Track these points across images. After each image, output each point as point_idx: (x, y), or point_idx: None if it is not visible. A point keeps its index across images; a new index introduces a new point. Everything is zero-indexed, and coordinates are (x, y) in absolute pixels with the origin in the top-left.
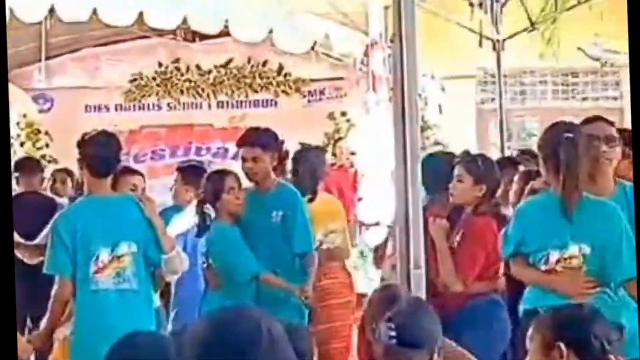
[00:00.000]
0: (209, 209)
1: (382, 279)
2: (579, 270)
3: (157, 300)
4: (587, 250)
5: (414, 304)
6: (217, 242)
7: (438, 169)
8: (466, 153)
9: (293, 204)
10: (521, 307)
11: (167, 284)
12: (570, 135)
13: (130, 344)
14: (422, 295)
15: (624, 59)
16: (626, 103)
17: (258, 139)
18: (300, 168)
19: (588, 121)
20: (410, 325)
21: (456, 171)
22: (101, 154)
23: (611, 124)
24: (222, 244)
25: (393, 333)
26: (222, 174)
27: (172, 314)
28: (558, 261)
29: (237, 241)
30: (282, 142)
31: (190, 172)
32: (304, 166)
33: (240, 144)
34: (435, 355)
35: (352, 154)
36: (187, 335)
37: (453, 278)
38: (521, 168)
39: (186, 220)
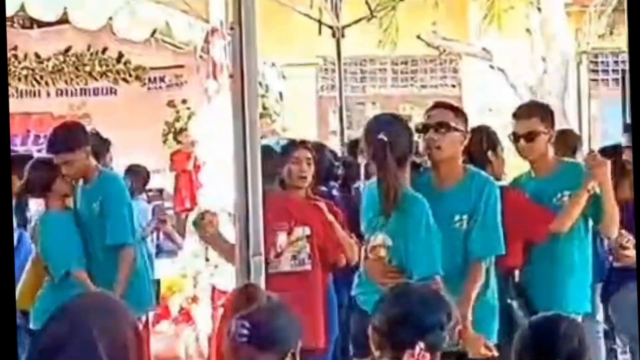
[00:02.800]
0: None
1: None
2: (384, 259)
3: None
4: (389, 241)
5: (272, 305)
6: (41, 233)
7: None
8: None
9: (108, 193)
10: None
11: None
12: (381, 137)
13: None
14: (262, 282)
15: (461, 46)
16: (464, 90)
17: (63, 144)
18: None
19: (430, 109)
20: (263, 325)
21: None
22: None
23: (452, 109)
24: (42, 236)
25: (245, 331)
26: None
27: None
28: (373, 248)
29: (55, 234)
30: (96, 131)
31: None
32: None
33: (49, 151)
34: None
35: (193, 141)
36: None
37: None
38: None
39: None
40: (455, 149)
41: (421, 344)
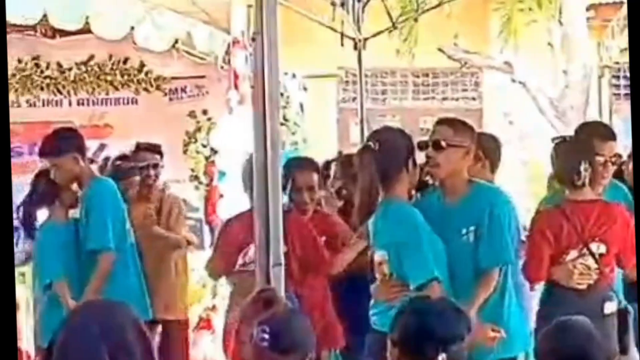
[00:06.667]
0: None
1: None
2: (389, 275)
3: None
4: (386, 255)
5: (289, 310)
6: (36, 244)
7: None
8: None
9: (90, 197)
10: None
11: None
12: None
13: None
14: (281, 291)
15: (483, 59)
16: (485, 103)
17: (50, 148)
18: None
19: (433, 126)
20: (283, 330)
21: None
22: None
23: (453, 126)
24: (36, 246)
25: (266, 336)
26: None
27: None
28: (378, 266)
29: (46, 244)
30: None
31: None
32: None
33: (39, 155)
34: None
35: (214, 152)
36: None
37: None
38: None
39: None
40: (455, 165)
41: (443, 356)
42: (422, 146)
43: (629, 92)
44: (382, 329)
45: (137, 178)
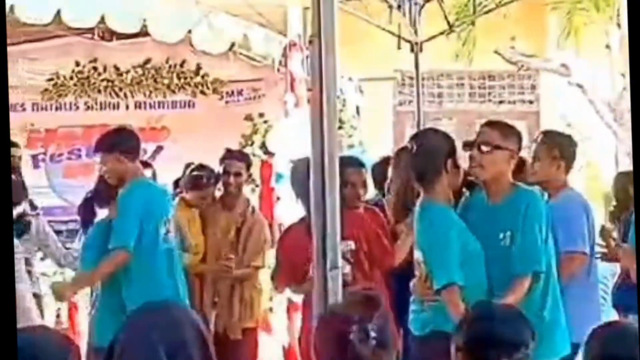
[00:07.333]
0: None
1: None
2: (425, 275)
3: None
4: (422, 256)
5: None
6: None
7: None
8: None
9: (121, 197)
10: None
11: None
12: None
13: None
14: (339, 294)
15: (539, 62)
16: (542, 106)
17: (99, 145)
18: None
19: (480, 127)
20: (388, 328)
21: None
22: None
23: (500, 128)
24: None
25: (374, 334)
26: None
27: None
28: (418, 266)
29: (86, 243)
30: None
31: None
32: None
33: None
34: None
35: (271, 154)
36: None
37: None
38: None
39: None
40: (500, 168)
41: None
42: (468, 147)
43: None
44: (411, 328)
45: (213, 188)
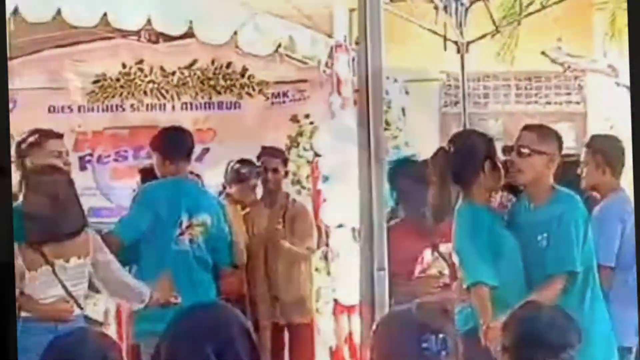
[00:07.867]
0: None
1: None
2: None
3: None
4: (455, 258)
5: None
6: None
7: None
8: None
9: (136, 193)
10: None
11: None
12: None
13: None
14: (386, 295)
15: (587, 63)
16: (589, 107)
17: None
18: None
19: (520, 131)
20: (456, 339)
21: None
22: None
23: (539, 132)
24: None
25: (446, 345)
26: None
27: None
28: (455, 265)
29: None
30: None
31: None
32: None
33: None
34: None
35: (317, 155)
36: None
37: None
38: None
39: None
40: (539, 172)
41: None
42: (507, 151)
43: None
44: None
45: (254, 182)
